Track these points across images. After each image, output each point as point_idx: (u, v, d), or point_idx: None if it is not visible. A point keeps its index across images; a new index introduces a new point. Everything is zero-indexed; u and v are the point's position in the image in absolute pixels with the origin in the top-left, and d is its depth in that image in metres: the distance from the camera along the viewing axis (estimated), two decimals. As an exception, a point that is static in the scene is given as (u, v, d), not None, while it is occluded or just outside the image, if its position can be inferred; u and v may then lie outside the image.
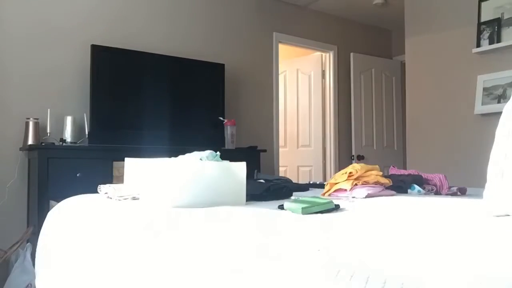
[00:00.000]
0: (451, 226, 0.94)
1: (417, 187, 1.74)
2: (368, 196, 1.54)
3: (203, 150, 1.42)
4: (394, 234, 0.82)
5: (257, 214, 1.09)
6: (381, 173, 1.68)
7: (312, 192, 1.87)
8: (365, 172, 1.64)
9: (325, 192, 1.65)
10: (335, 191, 1.62)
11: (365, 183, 1.60)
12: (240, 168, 1.34)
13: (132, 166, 1.63)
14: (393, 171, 2.02)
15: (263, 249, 0.68)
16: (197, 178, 1.25)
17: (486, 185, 1.03)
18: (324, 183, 1.72)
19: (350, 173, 1.62)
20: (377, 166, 1.72)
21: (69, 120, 3.03)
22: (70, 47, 3.25)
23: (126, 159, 1.66)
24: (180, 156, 1.41)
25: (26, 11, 3.11)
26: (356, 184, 1.59)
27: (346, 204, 1.34)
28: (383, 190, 1.64)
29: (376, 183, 1.63)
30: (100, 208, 1.32)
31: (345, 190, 1.59)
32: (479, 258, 0.64)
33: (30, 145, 2.85)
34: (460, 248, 0.71)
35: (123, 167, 2.90)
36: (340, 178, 1.63)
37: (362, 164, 1.67)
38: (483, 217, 1.00)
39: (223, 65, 3.76)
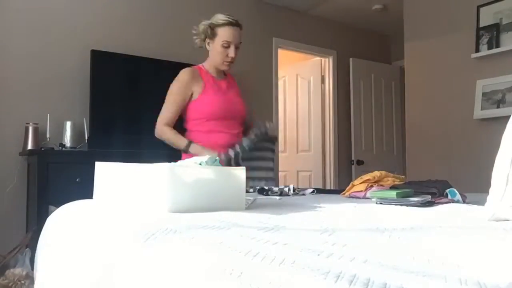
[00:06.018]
0: (455, 231, 0.94)
1: (457, 194, 1.49)
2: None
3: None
4: (394, 236, 0.82)
5: (257, 217, 1.08)
6: (401, 177, 1.72)
7: (313, 196, 1.87)
8: (384, 177, 1.69)
9: (344, 192, 1.76)
10: (353, 192, 1.69)
11: (381, 186, 1.62)
12: (239, 174, 1.34)
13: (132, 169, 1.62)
14: None
15: (263, 252, 0.68)
16: (196, 183, 1.25)
17: (490, 190, 1.01)
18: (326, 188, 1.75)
19: (367, 179, 1.67)
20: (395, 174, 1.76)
21: (68, 125, 3.03)
22: (70, 52, 3.26)
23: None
24: (180, 161, 1.41)
25: (26, 17, 3.12)
26: (371, 186, 1.62)
27: (350, 207, 1.34)
28: None
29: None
30: (98, 214, 1.32)
31: (361, 191, 1.63)
32: (480, 262, 0.64)
33: (30, 150, 2.85)
34: (461, 251, 0.71)
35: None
36: (357, 182, 1.71)
37: (383, 172, 1.72)
38: (487, 222, 0.99)
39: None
